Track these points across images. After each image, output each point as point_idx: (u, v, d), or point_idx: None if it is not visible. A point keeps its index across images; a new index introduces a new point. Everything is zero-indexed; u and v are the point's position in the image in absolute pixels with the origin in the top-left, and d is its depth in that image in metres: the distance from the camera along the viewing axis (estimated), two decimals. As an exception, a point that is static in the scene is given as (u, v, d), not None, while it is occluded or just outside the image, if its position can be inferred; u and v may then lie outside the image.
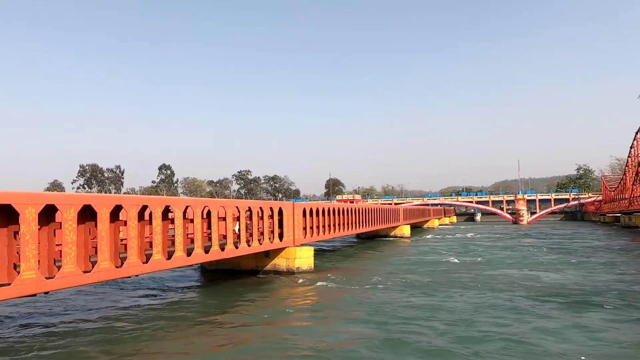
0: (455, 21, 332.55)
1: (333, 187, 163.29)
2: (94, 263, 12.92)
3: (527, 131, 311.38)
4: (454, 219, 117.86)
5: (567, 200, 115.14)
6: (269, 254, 24.83)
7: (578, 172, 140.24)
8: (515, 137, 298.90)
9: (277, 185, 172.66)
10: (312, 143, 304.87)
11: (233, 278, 23.11)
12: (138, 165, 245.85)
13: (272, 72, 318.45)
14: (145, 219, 15.93)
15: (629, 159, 78.03)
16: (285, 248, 24.91)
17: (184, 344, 12.10)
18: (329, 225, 31.41)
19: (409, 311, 15.19)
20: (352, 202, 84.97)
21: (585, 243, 42.44)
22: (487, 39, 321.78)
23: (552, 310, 14.95)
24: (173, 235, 16.63)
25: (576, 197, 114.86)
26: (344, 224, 34.53)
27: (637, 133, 72.97)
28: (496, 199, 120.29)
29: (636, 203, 67.10)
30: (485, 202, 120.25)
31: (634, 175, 72.66)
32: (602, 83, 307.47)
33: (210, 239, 19.06)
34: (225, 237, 20.50)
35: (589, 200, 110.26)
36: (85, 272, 12.56)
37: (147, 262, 14.85)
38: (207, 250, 18.24)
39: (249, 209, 22.11)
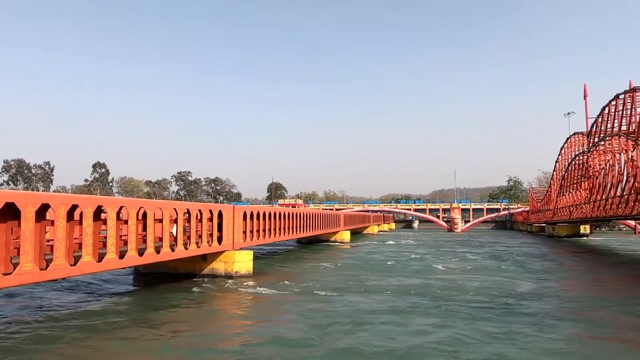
0: (402, 29, 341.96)
1: (275, 191, 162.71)
2: (15, 265, 12.12)
3: (464, 142, 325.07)
4: (393, 225, 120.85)
5: (498, 210, 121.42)
6: (206, 258, 24.33)
7: (509, 183, 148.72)
8: (453, 148, 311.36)
9: (218, 187, 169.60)
10: (256, 146, 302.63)
11: (168, 282, 22.43)
12: (70, 162, 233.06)
13: (220, 73, 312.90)
14: (76, 219, 15.15)
15: (554, 172, 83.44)
16: (224, 252, 24.50)
17: (91, 354, 11.50)
18: (270, 229, 31.26)
19: (336, 318, 15.13)
20: (294, 207, 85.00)
21: (506, 249, 44.86)
22: (438, 47, 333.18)
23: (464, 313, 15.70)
24: (105, 237, 15.93)
25: (506, 207, 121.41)
26: (285, 229, 34.47)
27: (562, 149, 78.20)
28: (433, 207, 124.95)
29: (559, 214, 71.79)
30: (423, 210, 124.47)
31: (558, 188, 77.76)
32: (534, 99, 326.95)
33: (145, 242, 18.41)
34: (161, 239, 19.89)
35: (518, 210, 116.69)
36: (5, 274, 11.76)
37: (75, 264, 14.12)
38: (141, 252, 17.62)
39: (188, 211, 21.58)
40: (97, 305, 17.39)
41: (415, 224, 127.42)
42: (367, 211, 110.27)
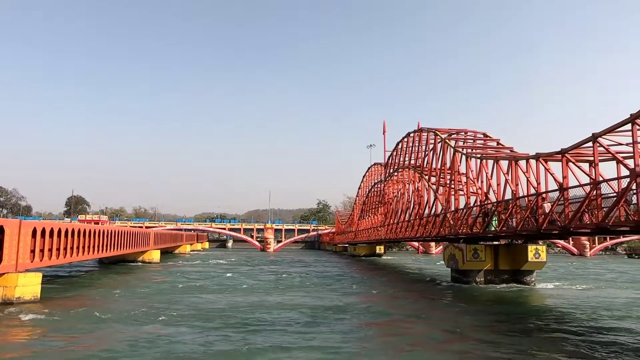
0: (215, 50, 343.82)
1: (75, 206, 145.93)
2: None
3: (280, 165, 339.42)
4: (207, 244, 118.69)
5: (308, 230, 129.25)
6: (-21, 282, 20.46)
7: (318, 206, 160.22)
8: (270, 169, 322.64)
9: (2, 199, 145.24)
10: (54, 152, 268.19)
11: None
12: None
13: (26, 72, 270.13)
14: None
15: (357, 198, 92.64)
16: (4, 274, 20.90)
17: None
18: (67, 248, 27.80)
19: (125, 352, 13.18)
20: (98, 223, 77.58)
21: (311, 268, 48.06)
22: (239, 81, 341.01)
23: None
24: None
25: (315, 228, 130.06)
26: (85, 247, 31.04)
27: (364, 177, 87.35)
28: (248, 227, 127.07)
29: (360, 235, 79.50)
30: (238, 230, 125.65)
31: (360, 212, 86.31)
32: (340, 131, 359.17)
33: None
34: None
35: (326, 231, 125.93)
36: None
37: None
38: None
39: (-44, 226, 17.92)
40: None
41: (230, 244, 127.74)
42: (180, 230, 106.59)
